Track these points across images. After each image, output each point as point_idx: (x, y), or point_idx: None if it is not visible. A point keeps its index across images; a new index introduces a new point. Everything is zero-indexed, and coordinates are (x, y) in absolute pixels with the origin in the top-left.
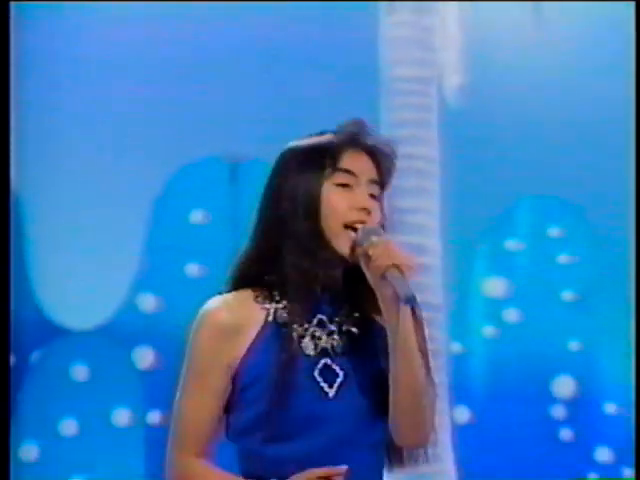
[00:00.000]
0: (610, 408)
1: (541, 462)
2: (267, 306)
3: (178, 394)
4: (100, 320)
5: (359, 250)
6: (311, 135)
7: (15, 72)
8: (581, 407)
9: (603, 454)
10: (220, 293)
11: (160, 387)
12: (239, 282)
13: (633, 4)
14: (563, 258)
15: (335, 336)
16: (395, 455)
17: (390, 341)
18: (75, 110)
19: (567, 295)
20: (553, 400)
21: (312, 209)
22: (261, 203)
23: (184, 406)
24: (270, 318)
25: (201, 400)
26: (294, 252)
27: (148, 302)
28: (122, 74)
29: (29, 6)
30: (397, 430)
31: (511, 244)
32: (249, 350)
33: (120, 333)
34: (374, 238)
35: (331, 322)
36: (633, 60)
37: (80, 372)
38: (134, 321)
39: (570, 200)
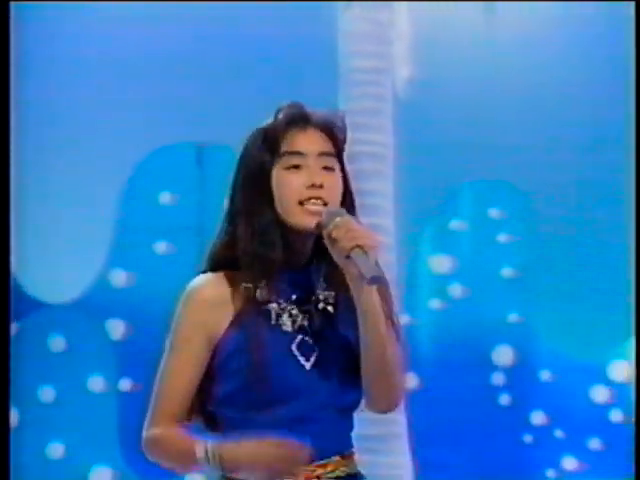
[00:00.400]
0: (545, 375)
1: (482, 424)
2: (248, 285)
3: (162, 362)
4: (76, 295)
5: (324, 232)
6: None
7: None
8: (518, 374)
9: (537, 417)
10: (204, 272)
11: (131, 356)
12: (219, 263)
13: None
14: (503, 237)
15: (311, 314)
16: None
17: (359, 315)
18: (53, 96)
19: (506, 271)
20: (493, 368)
21: (264, 197)
22: (229, 192)
23: (167, 372)
24: (251, 296)
25: (183, 367)
26: (250, 240)
27: (120, 277)
28: (99, 67)
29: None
30: (368, 397)
31: (455, 224)
32: (230, 324)
33: (94, 306)
34: (337, 219)
35: (308, 301)
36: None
37: (57, 343)
38: (107, 295)
39: (510, 184)
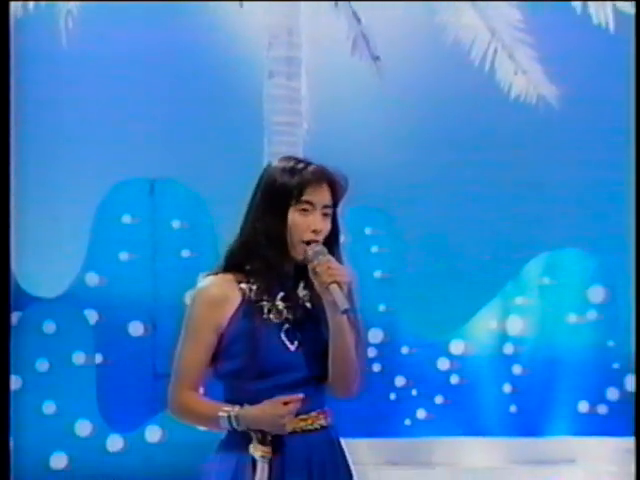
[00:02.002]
0: (405, 350)
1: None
2: (244, 287)
3: (179, 346)
4: (61, 291)
5: (310, 265)
6: (288, 164)
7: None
8: (386, 349)
9: (400, 381)
10: (216, 273)
11: (103, 337)
12: (227, 266)
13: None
14: (374, 249)
15: (295, 309)
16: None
17: (330, 326)
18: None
19: (377, 274)
20: (369, 344)
21: (280, 227)
22: (246, 213)
23: (183, 354)
24: (246, 296)
25: (195, 350)
26: (265, 254)
27: (93, 279)
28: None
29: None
30: (332, 385)
31: (342, 239)
32: (231, 318)
33: (75, 300)
34: (321, 257)
35: (291, 299)
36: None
37: (49, 327)
38: (84, 292)
39: (380, 209)
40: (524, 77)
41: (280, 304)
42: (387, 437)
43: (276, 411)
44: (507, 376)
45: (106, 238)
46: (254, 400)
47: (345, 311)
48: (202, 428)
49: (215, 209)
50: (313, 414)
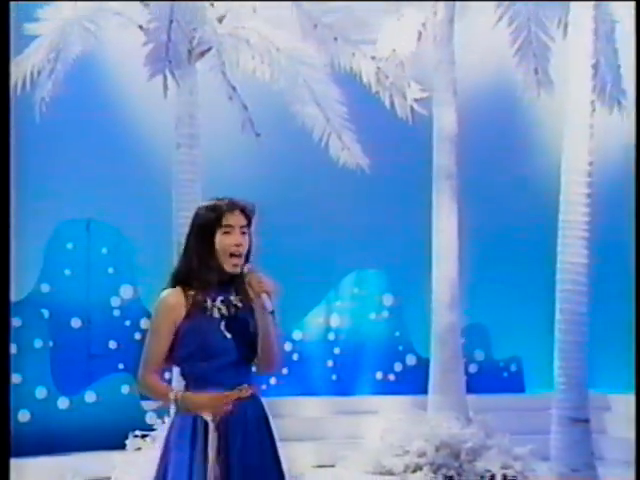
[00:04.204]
0: (297, 335)
1: None
2: (191, 293)
3: (146, 340)
4: (23, 296)
5: (245, 279)
6: (210, 202)
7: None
8: None
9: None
10: (170, 288)
11: (54, 328)
12: (176, 281)
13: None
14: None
15: (230, 308)
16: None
17: (258, 320)
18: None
19: None
20: None
21: (211, 249)
22: (185, 241)
23: (149, 346)
24: (195, 300)
25: (158, 342)
26: (202, 269)
27: (46, 287)
28: None
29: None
30: (259, 364)
31: None
32: (185, 316)
33: (33, 302)
34: (252, 273)
35: (227, 301)
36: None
37: (16, 321)
38: (40, 296)
39: None
40: (348, 151)
41: (219, 304)
42: None
43: (218, 403)
44: (330, 355)
45: (55, 259)
46: (202, 376)
47: (272, 312)
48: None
49: (132, 239)
50: (245, 386)
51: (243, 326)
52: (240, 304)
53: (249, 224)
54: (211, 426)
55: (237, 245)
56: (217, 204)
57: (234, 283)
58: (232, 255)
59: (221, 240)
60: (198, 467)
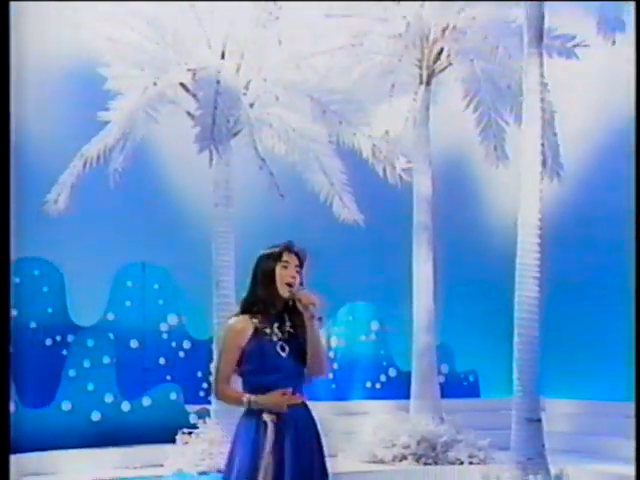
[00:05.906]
0: None
1: None
2: (255, 321)
3: (217, 358)
4: (95, 322)
5: (295, 296)
6: (272, 246)
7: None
8: None
9: None
10: (237, 315)
11: (115, 348)
12: (243, 310)
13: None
14: None
15: (284, 332)
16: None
17: (307, 332)
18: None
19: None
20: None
21: (271, 278)
22: (252, 275)
23: (220, 364)
24: (257, 326)
25: (227, 360)
26: (264, 297)
27: (111, 316)
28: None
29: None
30: (310, 370)
31: None
32: (249, 340)
33: (103, 327)
34: (301, 292)
35: (282, 326)
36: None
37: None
38: (105, 324)
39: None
40: (347, 209)
41: (275, 329)
42: None
43: (278, 400)
44: (330, 369)
45: (118, 294)
46: (261, 388)
47: (320, 319)
48: (228, 405)
49: (178, 278)
50: (297, 395)
51: (295, 346)
52: (292, 330)
53: (301, 265)
54: (270, 426)
55: (292, 277)
56: (276, 247)
57: (287, 312)
58: (288, 284)
59: (280, 272)
60: (257, 457)
